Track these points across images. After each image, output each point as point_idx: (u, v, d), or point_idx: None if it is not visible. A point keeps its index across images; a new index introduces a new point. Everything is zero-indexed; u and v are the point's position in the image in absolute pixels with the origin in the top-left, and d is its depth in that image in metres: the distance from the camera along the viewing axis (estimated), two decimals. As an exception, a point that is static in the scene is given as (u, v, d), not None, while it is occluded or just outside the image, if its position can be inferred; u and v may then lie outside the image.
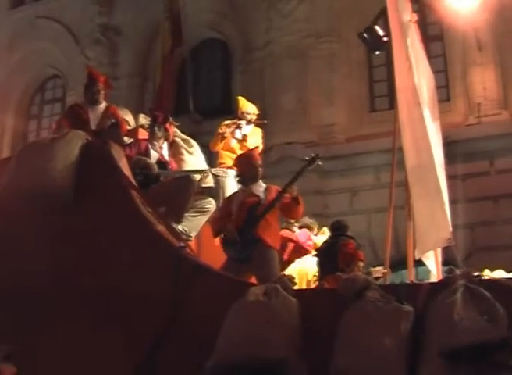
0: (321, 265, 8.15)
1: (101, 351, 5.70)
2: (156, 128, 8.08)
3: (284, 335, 4.94)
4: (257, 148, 8.72)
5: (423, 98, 7.30)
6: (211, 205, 7.38)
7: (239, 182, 7.71)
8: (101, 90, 8.54)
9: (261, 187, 7.42)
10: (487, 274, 8.61)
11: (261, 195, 7.29)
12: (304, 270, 8.96)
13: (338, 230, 8.43)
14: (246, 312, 5.09)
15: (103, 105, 8.47)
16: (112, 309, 5.88)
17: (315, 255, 8.56)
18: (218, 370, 4.94)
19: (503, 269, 9.00)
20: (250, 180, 7.45)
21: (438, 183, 7.02)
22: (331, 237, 8.45)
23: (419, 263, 7.87)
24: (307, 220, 9.78)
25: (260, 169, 7.58)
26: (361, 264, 7.85)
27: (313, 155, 7.61)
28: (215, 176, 8.47)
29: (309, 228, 10.06)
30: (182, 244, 6.20)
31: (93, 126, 8.11)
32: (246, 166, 7.55)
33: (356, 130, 15.80)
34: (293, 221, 9.40)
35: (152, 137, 8.07)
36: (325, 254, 8.08)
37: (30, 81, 20.73)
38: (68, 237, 6.38)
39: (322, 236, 9.68)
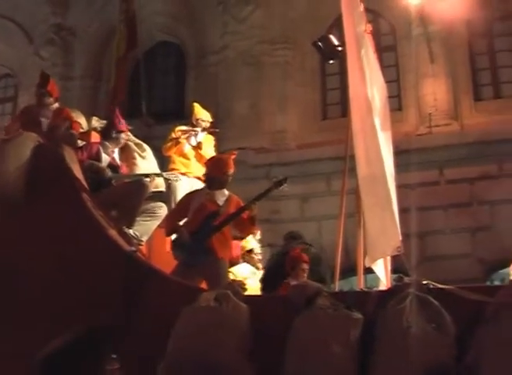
0: (269, 278, 8.24)
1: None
2: (115, 135, 7.99)
3: (234, 340, 4.95)
4: (233, 154, 8.64)
5: (375, 107, 7.38)
6: (162, 209, 7.37)
7: (205, 182, 7.69)
8: (52, 92, 8.48)
9: (223, 195, 7.40)
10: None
11: (221, 204, 7.28)
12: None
13: (290, 240, 8.50)
14: (197, 317, 5.09)
15: (55, 106, 8.40)
16: (62, 309, 5.84)
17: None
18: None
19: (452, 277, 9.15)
20: (217, 185, 7.44)
21: (388, 192, 7.10)
22: (282, 247, 8.52)
23: (368, 271, 7.93)
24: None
25: (230, 177, 7.57)
26: (305, 266, 7.94)
27: (281, 177, 7.65)
28: (166, 180, 8.42)
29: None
30: (133, 249, 6.19)
31: (44, 128, 8.03)
32: (217, 171, 7.53)
33: (308, 137, 15.88)
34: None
35: (107, 142, 8.00)
36: (276, 265, 8.17)
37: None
38: (19, 237, 6.33)
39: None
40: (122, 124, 8.06)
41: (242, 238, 8.96)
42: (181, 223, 7.40)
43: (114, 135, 7.90)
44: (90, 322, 5.66)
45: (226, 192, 7.48)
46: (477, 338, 4.54)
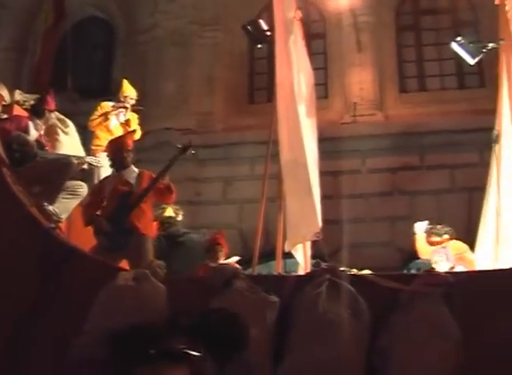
0: None
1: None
2: (45, 113, 7.85)
3: (150, 320, 4.94)
4: (133, 132, 8.62)
5: (301, 94, 7.43)
6: (82, 188, 7.31)
7: (110, 166, 7.65)
8: None
9: (133, 172, 7.39)
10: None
11: (133, 181, 7.26)
12: None
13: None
14: (114, 296, 5.07)
15: None
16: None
17: None
18: (85, 355, 4.91)
19: (371, 265, 9.29)
20: (121, 165, 7.41)
21: (309, 179, 7.16)
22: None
23: (288, 256, 8.00)
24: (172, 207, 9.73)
25: (130, 155, 7.54)
26: (221, 249, 8.00)
27: (186, 143, 7.63)
28: (89, 164, 8.35)
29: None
30: (52, 225, 6.11)
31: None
32: (116, 152, 7.51)
33: (234, 120, 15.86)
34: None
35: (37, 118, 7.85)
36: None
37: None
38: None
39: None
40: (53, 103, 7.96)
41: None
42: (98, 211, 7.37)
43: (47, 114, 7.80)
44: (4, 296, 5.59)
45: (135, 169, 7.47)
46: (390, 324, 4.64)
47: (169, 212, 9.21)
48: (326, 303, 4.68)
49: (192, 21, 16.59)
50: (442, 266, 8.86)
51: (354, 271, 6.70)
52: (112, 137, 9.03)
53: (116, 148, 7.57)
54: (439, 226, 9.80)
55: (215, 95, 16.12)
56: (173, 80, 16.12)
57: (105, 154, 8.48)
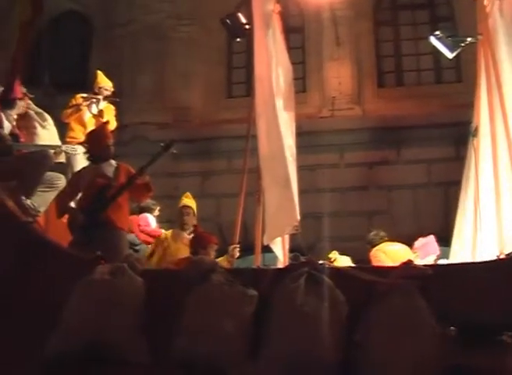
0: None
1: None
2: (13, 102, 7.79)
3: (127, 316, 4.95)
4: (106, 122, 8.53)
5: (279, 88, 7.43)
6: (61, 180, 7.26)
7: (88, 159, 7.57)
8: None
9: (111, 166, 7.31)
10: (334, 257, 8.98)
11: (111, 175, 7.20)
12: None
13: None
14: (90, 290, 5.05)
15: None
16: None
17: None
18: (60, 352, 4.90)
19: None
20: (101, 158, 7.34)
21: (287, 172, 7.17)
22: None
23: (266, 250, 8.01)
24: (148, 202, 9.71)
25: (111, 147, 7.48)
26: (215, 247, 7.98)
27: (168, 142, 7.59)
28: (65, 152, 8.30)
29: (150, 210, 10.06)
30: (29, 219, 6.08)
31: None
32: (97, 144, 7.42)
33: (211, 114, 15.84)
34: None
35: (7, 109, 7.79)
36: None
37: None
38: None
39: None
40: (18, 91, 7.88)
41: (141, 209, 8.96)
42: (72, 203, 7.32)
43: (13, 102, 7.72)
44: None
45: (114, 163, 7.40)
46: (367, 317, 4.66)
47: None
48: (304, 296, 4.70)
49: (169, 15, 16.51)
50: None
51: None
52: (88, 129, 9.00)
53: (97, 140, 7.49)
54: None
55: (192, 90, 16.06)
56: (150, 74, 16.05)
57: (82, 146, 8.45)
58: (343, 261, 9.26)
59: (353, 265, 8.89)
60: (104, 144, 7.39)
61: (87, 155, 7.59)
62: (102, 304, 4.94)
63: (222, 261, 7.83)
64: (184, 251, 8.22)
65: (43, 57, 15.42)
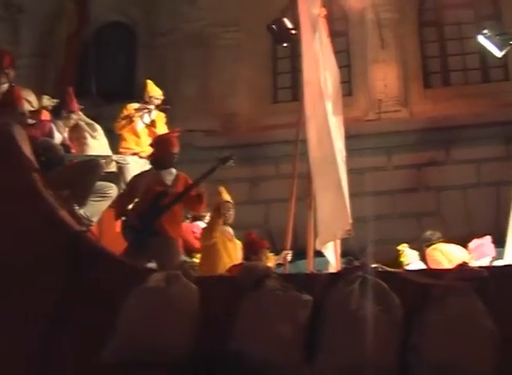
0: None
1: None
2: (66, 114, 7.88)
3: (182, 323, 4.96)
4: (177, 131, 8.55)
5: (327, 92, 7.42)
6: (112, 190, 7.30)
7: (151, 163, 7.63)
8: (6, 69, 8.34)
9: (171, 174, 7.35)
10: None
11: (169, 183, 7.23)
12: None
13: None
14: (146, 298, 5.08)
15: (5, 85, 8.26)
16: (8, 290, 5.78)
17: None
18: (117, 358, 4.94)
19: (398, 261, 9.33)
20: (163, 165, 7.38)
21: (339, 176, 7.15)
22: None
23: (316, 254, 7.98)
24: None
25: (175, 156, 7.52)
26: (268, 253, 7.99)
27: (226, 155, 7.63)
28: (116, 162, 8.38)
29: (201, 217, 10.08)
30: (83, 229, 6.14)
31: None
32: (162, 151, 7.47)
33: (257, 120, 15.84)
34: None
35: (59, 121, 7.88)
36: None
37: None
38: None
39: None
40: (74, 104, 7.99)
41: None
42: (130, 205, 7.38)
43: (65, 115, 7.82)
44: (38, 300, 5.63)
45: (174, 171, 7.44)
46: (423, 320, 4.62)
47: None
48: (359, 300, 4.67)
49: (212, 23, 16.58)
50: None
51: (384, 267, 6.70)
52: (142, 139, 9.08)
53: (163, 148, 7.52)
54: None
55: (238, 96, 16.09)
56: (195, 81, 16.13)
57: (135, 157, 8.50)
58: (410, 255, 9.30)
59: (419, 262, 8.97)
60: (169, 152, 7.44)
61: (150, 160, 7.64)
62: (157, 311, 4.96)
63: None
64: (232, 248, 8.26)
65: (89, 68, 15.59)
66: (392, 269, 5.10)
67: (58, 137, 7.57)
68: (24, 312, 5.61)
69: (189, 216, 9.72)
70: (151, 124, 9.72)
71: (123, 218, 7.18)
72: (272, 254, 8.37)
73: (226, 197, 9.03)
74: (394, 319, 4.65)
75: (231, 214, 8.83)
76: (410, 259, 9.53)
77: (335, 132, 7.37)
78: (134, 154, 9.42)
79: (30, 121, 7.69)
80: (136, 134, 9.68)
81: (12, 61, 8.57)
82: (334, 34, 14.28)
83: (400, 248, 9.31)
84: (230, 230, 8.78)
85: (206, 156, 13.88)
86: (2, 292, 5.75)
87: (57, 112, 7.93)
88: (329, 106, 7.35)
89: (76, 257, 5.79)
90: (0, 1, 18.40)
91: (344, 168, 7.56)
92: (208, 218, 10.15)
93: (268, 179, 14.55)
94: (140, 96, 10.51)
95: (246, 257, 7.88)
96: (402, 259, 9.62)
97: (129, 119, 9.74)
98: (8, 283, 5.80)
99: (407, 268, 9.10)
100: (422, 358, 4.48)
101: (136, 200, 7.33)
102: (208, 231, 8.48)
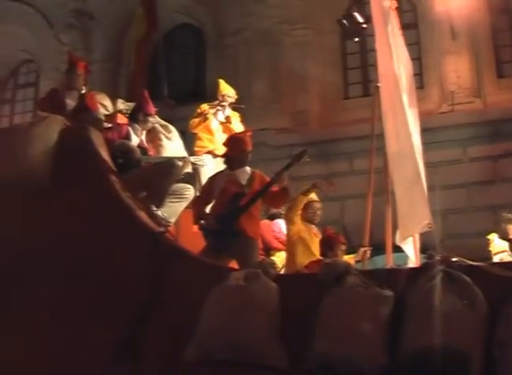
0: None
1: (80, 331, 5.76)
2: (143, 117, 7.96)
3: (263, 320, 4.97)
4: (249, 131, 8.54)
5: (402, 84, 7.34)
6: (189, 191, 7.32)
7: (224, 163, 7.63)
8: (81, 75, 8.50)
9: (245, 173, 7.28)
10: None
11: (245, 183, 7.19)
12: None
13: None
14: (226, 296, 5.10)
15: (82, 90, 8.41)
16: (90, 293, 5.88)
17: None
18: (198, 355, 4.98)
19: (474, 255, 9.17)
20: (237, 164, 7.35)
21: (418, 169, 7.05)
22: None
23: (394, 250, 7.92)
24: None
25: (249, 155, 7.49)
26: (344, 248, 7.95)
27: (301, 150, 7.57)
28: (192, 163, 8.43)
29: (280, 215, 10.03)
30: (162, 229, 6.19)
31: (70, 111, 8.01)
32: (236, 150, 7.41)
33: (329, 116, 15.83)
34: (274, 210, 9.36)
35: (136, 124, 7.96)
36: None
37: (2, 65, 20.43)
38: (45, 221, 6.36)
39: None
40: (151, 107, 8.06)
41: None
42: (208, 207, 7.39)
43: (142, 118, 7.90)
44: (122, 301, 5.71)
45: (249, 170, 7.37)
46: (507, 315, 4.53)
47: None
48: (441, 295, 4.60)
49: (280, 21, 16.63)
50: None
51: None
52: (217, 137, 9.11)
53: (236, 147, 7.49)
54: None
55: (309, 93, 16.09)
56: (265, 80, 16.20)
57: (210, 156, 8.52)
58: (500, 245, 9.20)
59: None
60: (243, 150, 7.39)
61: (223, 159, 7.65)
62: (237, 309, 4.98)
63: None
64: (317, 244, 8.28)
65: (160, 70, 15.72)
66: (475, 263, 4.99)
67: (135, 140, 7.64)
68: (109, 314, 5.71)
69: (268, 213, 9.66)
70: (226, 120, 9.73)
71: (202, 221, 7.16)
72: (350, 256, 8.31)
73: (314, 196, 8.96)
74: (478, 314, 4.58)
75: (319, 214, 8.76)
76: (498, 249, 9.42)
77: (412, 124, 7.28)
78: (209, 152, 9.46)
79: (106, 125, 7.80)
80: (210, 132, 9.70)
81: (86, 67, 8.73)
82: (404, 27, 14.23)
83: (489, 237, 9.20)
84: (315, 228, 8.73)
85: (278, 154, 13.94)
86: (86, 294, 5.87)
87: (134, 116, 8.01)
88: (405, 99, 7.27)
89: (157, 257, 5.85)
90: (72, 11, 18.76)
91: (422, 161, 7.47)
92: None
93: (342, 175, 14.45)
94: (212, 96, 10.55)
95: (322, 253, 7.86)
96: (490, 249, 9.52)
97: (204, 117, 9.77)
98: (93, 285, 5.91)
99: (495, 258, 9.00)
100: (509, 354, 4.39)
101: (213, 202, 7.33)
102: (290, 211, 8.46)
